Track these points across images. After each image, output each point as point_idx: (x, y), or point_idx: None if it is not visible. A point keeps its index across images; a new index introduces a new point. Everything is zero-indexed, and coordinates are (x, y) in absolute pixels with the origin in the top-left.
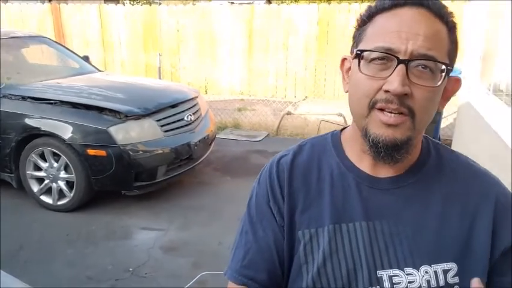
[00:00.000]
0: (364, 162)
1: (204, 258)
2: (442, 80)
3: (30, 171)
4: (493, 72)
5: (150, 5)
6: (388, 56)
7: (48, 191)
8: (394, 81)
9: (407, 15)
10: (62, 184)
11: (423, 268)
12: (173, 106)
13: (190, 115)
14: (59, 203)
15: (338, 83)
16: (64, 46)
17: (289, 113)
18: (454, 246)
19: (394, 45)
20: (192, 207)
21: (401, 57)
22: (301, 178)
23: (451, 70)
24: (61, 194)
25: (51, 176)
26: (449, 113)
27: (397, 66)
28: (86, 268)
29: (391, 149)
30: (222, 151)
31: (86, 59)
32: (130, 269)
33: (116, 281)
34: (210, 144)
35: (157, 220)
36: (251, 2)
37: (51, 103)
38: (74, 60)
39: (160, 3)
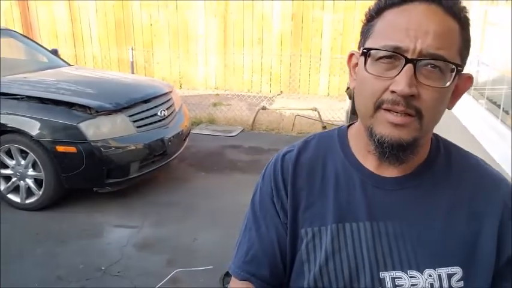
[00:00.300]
0: (369, 161)
1: (178, 255)
2: (451, 80)
3: None
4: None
5: None
6: (395, 55)
7: (15, 190)
8: (401, 81)
9: (417, 11)
10: (30, 182)
11: (427, 271)
12: (146, 101)
13: (163, 110)
14: (27, 201)
15: (313, 78)
16: (32, 40)
17: (264, 108)
18: (459, 250)
19: (402, 43)
20: (166, 204)
21: (409, 57)
22: (305, 175)
23: (462, 70)
24: (29, 193)
25: (18, 173)
26: None
27: (404, 65)
28: (56, 268)
29: (396, 150)
30: (197, 146)
31: (54, 52)
32: (102, 268)
33: (86, 280)
34: (185, 140)
35: (130, 217)
36: None
37: (17, 98)
38: (42, 54)
39: None
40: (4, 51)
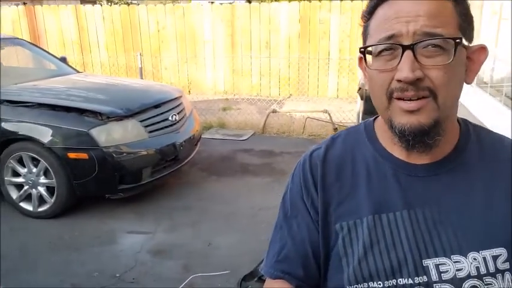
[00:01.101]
0: (399, 150)
1: (193, 261)
2: (454, 55)
3: (9, 178)
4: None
5: (128, 5)
6: (393, 46)
7: (27, 198)
8: (403, 69)
9: (405, 1)
10: (42, 190)
11: (471, 255)
12: (157, 106)
13: (174, 115)
14: (40, 209)
15: (321, 80)
16: (40, 47)
17: (274, 111)
18: (502, 231)
19: (394, 30)
20: (178, 209)
21: (405, 43)
22: (335, 171)
23: (461, 42)
24: (41, 200)
25: (30, 181)
26: None
27: (403, 53)
28: (71, 276)
29: (419, 136)
30: (208, 151)
31: (63, 60)
32: (117, 275)
33: None
34: (196, 145)
35: (143, 223)
36: (231, 1)
37: (28, 106)
38: (51, 61)
39: (138, 4)
40: (13, 59)
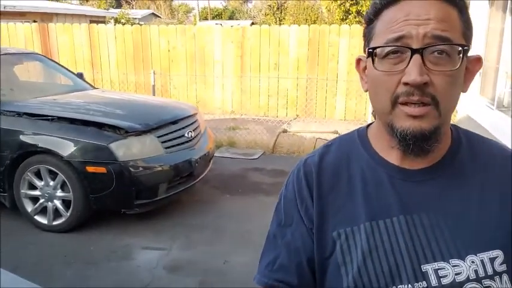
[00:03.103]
0: (393, 156)
1: (209, 278)
2: (460, 62)
3: (25, 190)
4: (494, 87)
5: (141, 26)
6: (401, 49)
7: (43, 211)
8: (412, 72)
9: (414, 4)
10: (58, 203)
11: (469, 258)
12: (174, 122)
13: (190, 131)
14: (54, 223)
15: (329, 102)
16: (58, 63)
17: (285, 131)
18: (497, 233)
19: (404, 31)
20: (194, 226)
21: (414, 46)
22: (330, 179)
23: (468, 50)
24: (57, 214)
25: (46, 195)
26: None
27: (411, 56)
28: None
29: (420, 141)
30: (219, 169)
31: (80, 75)
32: None
33: None
34: (209, 162)
35: (159, 239)
36: (238, 24)
37: (48, 119)
38: (68, 77)
39: (148, 24)
40: (31, 74)
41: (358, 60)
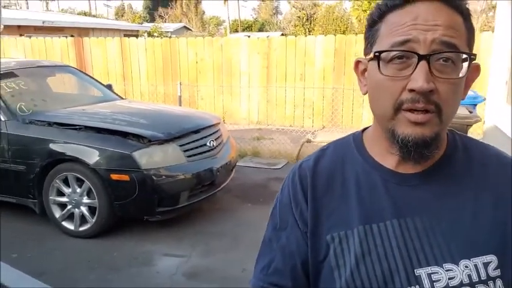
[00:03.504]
0: (388, 160)
1: (228, 285)
2: (466, 70)
3: (53, 197)
4: None
5: (170, 38)
6: (407, 54)
7: (70, 217)
8: (419, 78)
9: (421, 9)
10: (84, 210)
11: (463, 262)
12: (196, 132)
13: (212, 141)
14: (81, 229)
15: (355, 112)
16: (88, 75)
17: (309, 141)
18: (491, 238)
19: (411, 35)
20: (214, 234)
21: (421, 52)
22: (325, 182)
23: (474, 59)
24: (83, 220)
25: (73, 201)
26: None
27: (418, 62)
28: None
29: (421, 147)
30: (242, 178)
31: (109, 87)
32: None
33: None
34: (232, 171)
35: (179, 246)
36: (267, 36)
37: (76, 129)
38: (98, 88)
39: (178, 37)
40: (63, 85)
41: (357, 63)
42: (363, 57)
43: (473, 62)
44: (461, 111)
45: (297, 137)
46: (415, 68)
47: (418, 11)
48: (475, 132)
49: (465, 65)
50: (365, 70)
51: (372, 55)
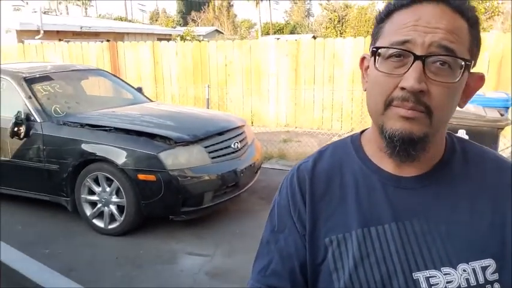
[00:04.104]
0: (386, 163)
1: None
2: (460, 76)
3: (85, 195)
4: None
5: (200, 42)
6: (404, 53)
7: (100, 215)
8: (410, 77)
9: (425, 10)
10: (113, 208)
11: (461, 266)
12: (220, 133)
13: (237, 143)
14: (110, 226)
15: None
16: (120, 78)
17: None
18: (489, 242)
19: (410, 36)
20: (237, 234)
21: (418, 53)
22: (323, 185)
23: (472, 66)
24: (112, 218)
25: (103, 200)
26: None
27: (413, 62)
28: None
29: (407, 144)
30: (267, 180)
31: (139, 90)
32: None
33: None
34: (256, 173)
35: (203, 246)
36: (298, 38)
37: (106, 130)
38: (128, 91)
39: (208, 41)
40: (96, 88)
41: (363, 59)
42: (369, 53)
43: (477, 72)
44: (492, 114)
45: (324, 139)
46: (410, 67)
47: (422, 13)
48: (508, 136)
49: (461, 71)
50: (368, 67)
51: (371, 50)
